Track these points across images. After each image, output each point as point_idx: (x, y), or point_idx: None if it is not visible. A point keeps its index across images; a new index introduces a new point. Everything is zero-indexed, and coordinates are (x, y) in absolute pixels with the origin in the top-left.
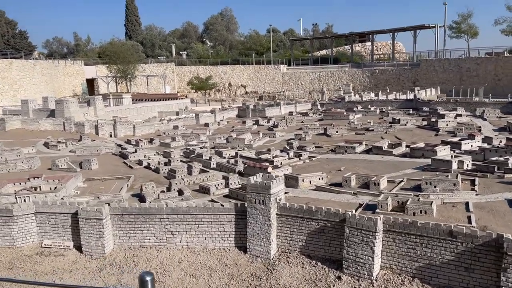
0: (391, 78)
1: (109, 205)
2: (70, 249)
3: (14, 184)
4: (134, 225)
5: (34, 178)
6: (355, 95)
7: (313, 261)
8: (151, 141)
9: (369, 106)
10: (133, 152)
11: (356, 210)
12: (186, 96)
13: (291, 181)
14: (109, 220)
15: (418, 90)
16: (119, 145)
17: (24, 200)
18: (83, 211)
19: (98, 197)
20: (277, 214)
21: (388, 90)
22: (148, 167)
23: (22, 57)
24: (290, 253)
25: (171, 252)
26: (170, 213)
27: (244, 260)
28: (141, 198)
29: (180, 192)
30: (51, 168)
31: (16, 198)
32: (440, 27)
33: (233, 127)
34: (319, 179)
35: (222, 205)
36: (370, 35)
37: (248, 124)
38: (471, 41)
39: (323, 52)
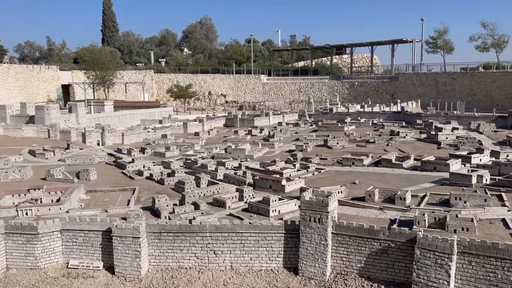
0: (370, 90)
1: (124, 219)
2: (99, 270)
3: (13, 195)
4: (172, 244)
5: (34, 189)
6: (341, 107)
7: (375, 284)
8: (142, 150)
9: (358, 118)
10: (130, 162)
11: (389, 227)
12: (165, 105)
13: None
14: (145, 239)
15: (400, 103)
16: (111, 154)
17: (26, 214)
18: (118, 229)
19: (106, 211)
20: (332, 233)
21: (370, 102)
22: (150, 178)
23: (3, 60)
24: (346, 275)
25: (214, 274)
26: (213, 231)
27: (296, 283)
28: (153, 212)
29: (196, 206)
30: (45, 178)
31: (17, 211)
32: (417, 41)
33: (225, 136)
34: (338, 192)
35: (271, 223)
36: (349, 48)
37: (241, 134)
38: (446, 56)
39: (301, 63)
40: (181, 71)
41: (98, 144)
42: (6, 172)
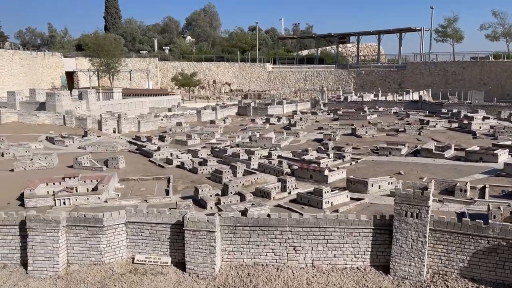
0: (377, 79)
1: (184, 211)
2: (168, 266)
3: (47, 184)
4: (248, 239)
5: (69, 178)
6: (354, 96)
7: (481, 286)
8: (162, 138)
9: (376, 107)
10: (156, 150)
11: (459, 220)
12: (173, 93)
13: (358, 186)
14: (219, 233)
15: (412, 92)
16: (132, 142)
17: (64, 203)
18: (191, 222)
19: (146, 201)
20: (430, 229)
21: (380, 92)
22: (181, 166)
23: (3, 46)
24: (446, 275)
25: (294, 271)
26: (294, 225)
27: (388, 283)
28: (196, 202)
29: (242, 196)
30: (72, 166)
31: (54, 200)
32: (425, 30)
33: (241, 125)
34: (388, 183)
35: (358, 217)
36: (353, 37)
37: (259, 122)
38: (455, 45)
39: (305, 52)
40: (185, 59)
41: (114, 132)
42: (32, 160)
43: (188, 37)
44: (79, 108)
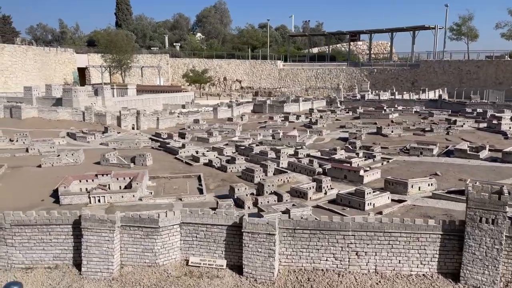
0: (389, 78)
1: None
2: (223, 269)
3: (80, 181)
4: (308, 243)
5: (102, 175)
6: (372, 94)
7: None
8: (182, 135)
9: (396, 106)
10: (181, 147)
11: None
12: (187, 90)
13: (396, 187)
14: (278, 236)
15: (428, 91)
16: (153, 139)
17: (99, 201)
18: (250, 224)
19: (181, 199)
20: (506, 236)
21: (394, 90)
22: (209, 164)
23: (14, 42)
24: None
25: (357, 277)
26: (357, 229)
27: None
28: (233, 201)
29: (279, 196)
30: (99, 163)
31: (89, 198)
32: (439, 28)
33: (259, 123)
34: (429, 185)
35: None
36: (363, 34)
37: (278, 120)
38: (470, 44)
39: (315, 49)
40: (196, 56)
41: (133, 128)
42: (59, 156)
43: (199, 34)
44: (95, 104)
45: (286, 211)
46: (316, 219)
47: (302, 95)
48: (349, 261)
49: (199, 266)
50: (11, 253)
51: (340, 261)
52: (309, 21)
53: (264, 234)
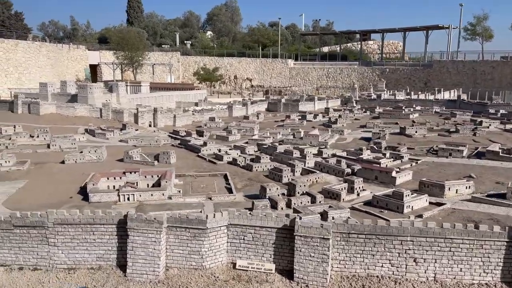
0: (402, 78)
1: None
2: (272, 273)
3: (108, 178)
4: (363, 248)
5: (130, 172)
6: (388, 93)
7: None
8: (200, 133)
9: (414, 106)
10: (203, 145)
11: None
12: (199, 87)
13: (433, 189)
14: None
15: (443, 91)
16: (172, 137)
17: (128, 199)
18: (303, 227)
19: (210, 198)
20: None
21: (408, 90)
22: (234, 163)
23: (27, 38)
24: None
25: (415, 285)
26: (416, 234)
27: None
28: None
29: (312, 198)
30: (122, 160)
31: (119, 196)
32: (453, 28)
33: (275, 121)
34: (466, 187)
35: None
36: (378, 34)
37: (295, 119)
38: (484, 44)
39: (325, 48)
40: (206, 54)
41: (150, 125)
42: (81, 152)
43: (209, 32)
44: (110, 101)
45: (324, 213)
46: (357, 222)
47: (313, 94)
48: (406, 268)
49: (246, 270)
50: (53, 253)
51: (397, 267)
52: (319, 20)
53: (317, 238)
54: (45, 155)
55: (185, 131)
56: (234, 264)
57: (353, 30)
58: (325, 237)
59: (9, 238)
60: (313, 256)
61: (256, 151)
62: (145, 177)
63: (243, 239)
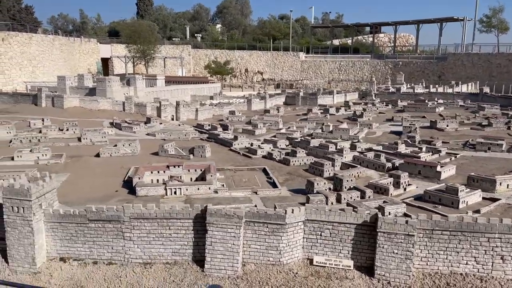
0: (415, 71)
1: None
2: (350, 269)
3: (151, 172)
4: (447, 245)
5: (174, 166)
6: (406, 87)
7: None
8: (224, 126)
9: (436, 99)
10: (233, 139)
11: None
12: (214, 81)
13: (483, 184)
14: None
15: (461, 84)
16: (199, 131)
17: (175, 193)
18: (386, 224)
19: (256, 192)
20: None
21: (424, 83)
22: (269, 157)
23: (37, 32)
24: None
25: (502, 283)
26: (505, 231)
27: None
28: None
29: (362, 192)
30: (157, 153)
31: (166, 189)
32: (468, 20)
33: (297, 115)
34: None
35: None
36: (391, 26)
37: (317, 112)
38: (500, 36)
39: (335, 41)
40: (217, 47)
41: (172, 119)
42: (116, 146)
43: (219, 25)
44: (127, 94)
45: (380, 208)
46: (441, 219)
47: (326, 87)
48: (492, 266)
49: (324, 266)
50: (128, 247)
51: (482, 265)
52: (329, 12)
53: (402, 235)
54: (77, 148)
55: (209, 124)
56: (310, 260)
57: (365, 22)
58: (409, 233)
59: (83, 232)
60: (397, 253)
61: (287, 145)
62: (189, 170)
63: (320, 235)
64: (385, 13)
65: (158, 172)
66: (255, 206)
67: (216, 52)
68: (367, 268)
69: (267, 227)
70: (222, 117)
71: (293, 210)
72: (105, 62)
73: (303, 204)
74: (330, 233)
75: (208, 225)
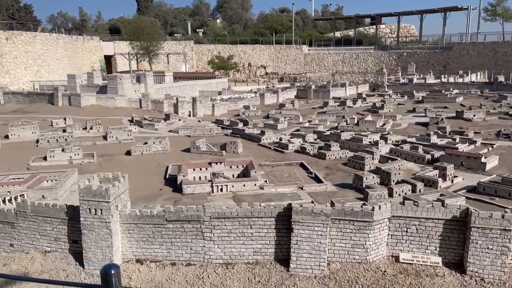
0: (419, 61)
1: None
2: (439, 266)
3: (194, 169)
4: None
5: (216, 163)
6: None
7: None
8: (244, 121)
9: (451, 89)
10: (260, 134)
11: None
12: (221, 76)
13: None
14: None
15: (470, 74)
16: (221, 126)
17: (221, 190)
18: (480, 218)
19: (302, 188)
20: None
21: (431, 74)
22: (302, 151)
23: (37, 31)
24: None
25: None
26: None
27: None
28: (359, 190)
29: (412, 186)
30: (189, 150)
31: (212, 187)
32: (472, 9)
33: (313, 108)
34: None
35: None
36: (387, 17)
37: (334, 105)
38: (505, 25)
39: (337, 33)
40: (219, 41)
41: (189, 115)
42: (146, 143)
43: (219, 20)
44: (138, 91)
45: (440, 201)
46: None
47: (328, 79)
48: None
49: (411, 263)
50: (208, 248)
51: None
52: (330, 5)
53: (497, 230)
54: (104, 147)
55: (228, 120)
56: (396, 257)
57: (367, 14)
58: (506, 228)
59: (161, 233)
60: (491, 249)
61: (316, 139)
62: (231, 167)
63: (406, 231)
64: (385, 4)
65: (200, 169)
66: (312, 202)
67: (218, 47)
68: (455, 264)
69: (353, 224)
70: (237, 112)
71: (380, 206)
72: (108, 60)
73: (360, 199)
74: (417, 229)
75: (294, 223)
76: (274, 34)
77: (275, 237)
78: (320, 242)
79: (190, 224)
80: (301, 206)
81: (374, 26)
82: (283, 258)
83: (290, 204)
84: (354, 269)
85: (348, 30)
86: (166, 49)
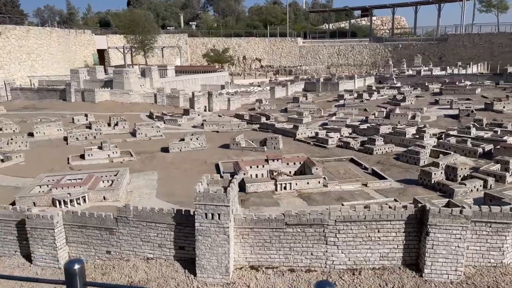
0: (415, 53)
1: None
2: None
3: (251, 167)
4: None
5: (273, 160)
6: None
7: None
8: (266, 116)
9: (462, 80)
10: (293, 129)
11: None
12: (222, 69)
13: None
14: None
15: (473, 65)
16: (246, 121)
17: (284, 188)
18: None
19: (365, 185)
20: None
21: (431, 65)
22: (346, 146)
23: (23, 25)
24: None
25: None
26: None
27: None
28: (428, 187)
29: (484, 181)
30: (229, 147)
31: (275, 185)
32: (467, 0)
33: (328, 101)
34: None
35: None
36: (378, 9)
37: (351, 98)
38: (500, 16)
39: (326, 26)
40: (213, 35)
41: (205, 110)
42: (183, 140)
43: (211, 12)
44: (144, 86)
45: None
46: None
47: (324, 72)
48: None
49: None
50: (331, 253)
51: None
52: None
53: None
54: (135, 143)
55: (249, 114)
56: None
57: (362, 5)
58: None
59: (279, 238)
60: None
61: (350, 133)
62: (287, 164)
63: None
64: None
65: (257, 166)
66: (395, 200)
67: (213, 40)
68: None
69: (490, 226)
70: (250, 106)
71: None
72: (101, 54)
73: (442, 196)
74: None
75: (430, 227)
76: (268, 26)
77: (404, 241)
78: (458, 246)
79: (312, 228)
80: (439, 208)
81: (365, 18)
82: (411, 262)
83: (424, 206)
84: (490, 273)
85: (340, 22)
86: (160, 43)
